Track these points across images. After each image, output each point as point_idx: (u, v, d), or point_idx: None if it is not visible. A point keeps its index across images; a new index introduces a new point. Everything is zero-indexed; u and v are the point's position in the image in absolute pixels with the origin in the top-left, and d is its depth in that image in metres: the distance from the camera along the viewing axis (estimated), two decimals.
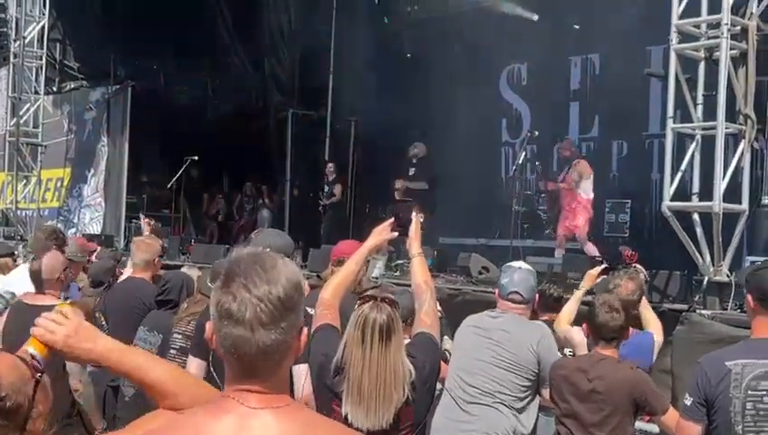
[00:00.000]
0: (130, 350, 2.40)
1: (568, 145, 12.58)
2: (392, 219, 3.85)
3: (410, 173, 14.15)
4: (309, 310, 4.34)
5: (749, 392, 3.44)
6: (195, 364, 4.28)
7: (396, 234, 3.83)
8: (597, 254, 10.67)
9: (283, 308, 1.87)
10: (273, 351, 1.86)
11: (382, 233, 3.84)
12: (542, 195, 13.60)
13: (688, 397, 3.61)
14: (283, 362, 1.92)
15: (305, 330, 1.97)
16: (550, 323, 5.75)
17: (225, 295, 1.88)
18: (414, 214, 3.86)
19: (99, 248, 9.20)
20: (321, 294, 3.67)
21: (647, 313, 5.55)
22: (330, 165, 16.13)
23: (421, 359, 3.37)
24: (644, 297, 5.64)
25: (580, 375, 4.43)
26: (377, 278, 3.89)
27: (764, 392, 3.43)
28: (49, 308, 4.88)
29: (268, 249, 3.93)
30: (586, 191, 11.68)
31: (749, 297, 3.64)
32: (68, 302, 6.01)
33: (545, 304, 5.96)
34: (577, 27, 14.88)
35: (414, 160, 14.19)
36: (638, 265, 5.89)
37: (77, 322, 2.28)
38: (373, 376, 3.20)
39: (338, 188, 15.76)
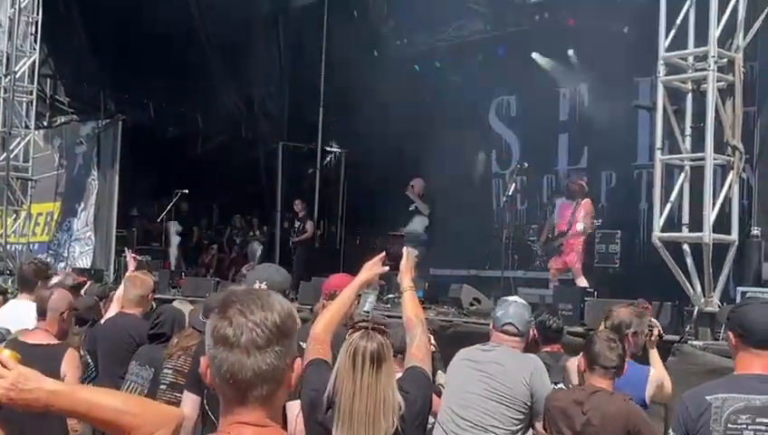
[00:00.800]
0: (79, 389, 2.27)
1: (577, 179, 12.36)
2: (383, 253, 3.84)
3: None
4: (302, 344, 4.33)
5: (728, 426, 3.45)
6: (190, 400, 4.24)
7: (387, 268, 3.82)
8: (588, 286, 10.66)
9: (278, 332, 1.89)
10: (268, 376, 1.88)
11: (373, 267, 3.83)
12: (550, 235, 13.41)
13: (672, 432, 3.64)
14: (277, 391, 1.92)
15: (299, 361, 1.99)
16: (552, 355, 5.74)
17: (221, 321, 1.90)
18: (405, 248, 3.85)
19: (88, 283, 9.14)
20: (313, 329, 3.65)
21: (654, 355, 5.54)
22: (297, 201, 16.22)
23: (413, 394, 3.36)
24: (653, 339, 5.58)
25: (575, 408, 4.42)
26: (368, 313, 3.87)
27: (744, 426, 3.44)
28: (45, 348, 4.87)
29: (264, 284, 3.94)
30: (584, 229, 11.61)
31: (730, 335, 3.66)
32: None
33: (546, 336, 5.96)
34: (570, 53, 14.98)
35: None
36: (653, 320, 5.87)
37: (16, 372, 2.08)
38: (363, 403, 3.20)
39: (309, 225, 15.86)
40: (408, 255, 3.85)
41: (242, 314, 1.89)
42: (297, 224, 16.00)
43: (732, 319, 3.72)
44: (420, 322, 3.70)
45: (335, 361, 3.39)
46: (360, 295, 3.88)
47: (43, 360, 4.46)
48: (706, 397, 3.53)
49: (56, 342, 5.03)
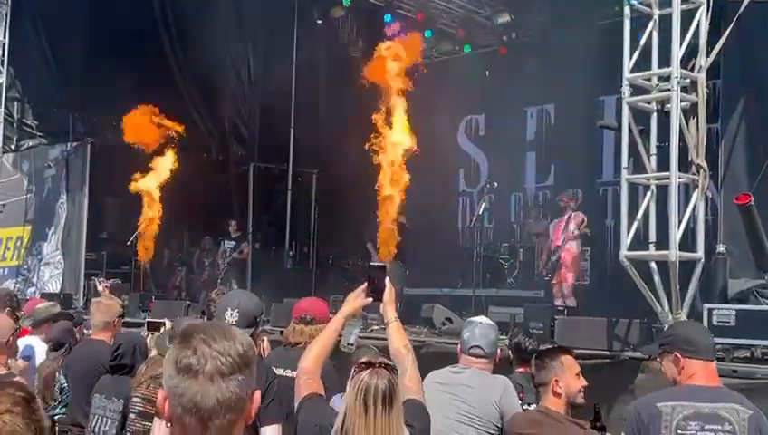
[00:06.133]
0: None
1: (563, 197, 12.60)
2: (366, 284, 3.78)
3: None
4: (277, 370, 4.32)
5: (678, 432, 3.61)
6: (158, 424, 4.19)
7: (370, 299, 3.76)
8: (574, 305, 10.85)
9: (241, 362, 1.91)
10: (230, 405, 1.88)
11: (357, 299, 3.79)
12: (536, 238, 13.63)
13: None
14: (238, 421, 1.92)
15: (258, 394, 1.98)
16: (525, 376, 5.77)
17: (183, 350, 1.90)
18: (387, 279, 3.79)
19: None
20: (301, 363, 3.61)
21: None
22: (232, 222, 16.46)
23: (417, 427, 3.32)
24: None
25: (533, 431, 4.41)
26: (352, 345, 3.83)
27: (693, 432, 3.59)
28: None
29: (236, 311, 3.90)
30: (576, 245, 11.86)
31: (677, 353, 3.79)
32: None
33: (520, 357, 6.00)
34: (533, 75, 15.14)
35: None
36: None
37: None
38: None
39: (246, 247, 16.14)
40: (391, 286, 3.80)
41: (205, 343, 1.89)
42: (234, 244, 16.11)
43: (674, 340, 3.91)
44: (409, 352, 3.64)
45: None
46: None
47: None
48: (657, 404, 3.69)
49: (3, 371, 4.98)
